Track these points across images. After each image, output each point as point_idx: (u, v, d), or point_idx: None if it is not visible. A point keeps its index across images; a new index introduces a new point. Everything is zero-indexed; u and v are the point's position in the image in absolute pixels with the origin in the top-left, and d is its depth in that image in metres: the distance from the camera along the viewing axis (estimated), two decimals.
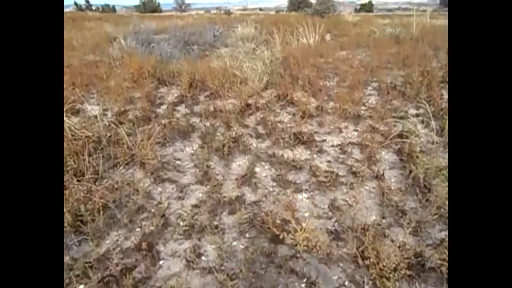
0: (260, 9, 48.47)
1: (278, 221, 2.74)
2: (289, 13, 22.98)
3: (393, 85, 5.61)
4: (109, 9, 39.25)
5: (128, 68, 6.47)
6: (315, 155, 3.73)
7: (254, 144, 3.99)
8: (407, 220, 2.64)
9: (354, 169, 3.43)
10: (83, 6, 36.57)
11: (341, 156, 3.70)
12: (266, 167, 3.57)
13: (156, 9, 34.64)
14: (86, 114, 4.80)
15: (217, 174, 3.44)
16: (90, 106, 5.24)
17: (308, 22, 10.00)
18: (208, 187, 3.24)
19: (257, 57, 7.58)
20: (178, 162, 3.67)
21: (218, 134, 4.24)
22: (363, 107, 4.87)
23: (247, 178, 3.33)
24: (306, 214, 2.88)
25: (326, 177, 3.25)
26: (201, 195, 3.16)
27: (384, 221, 2.77)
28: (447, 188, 2.88)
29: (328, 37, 10.79)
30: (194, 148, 3.94)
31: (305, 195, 3.12)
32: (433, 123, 3.99)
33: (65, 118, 3.97)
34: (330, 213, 2.90)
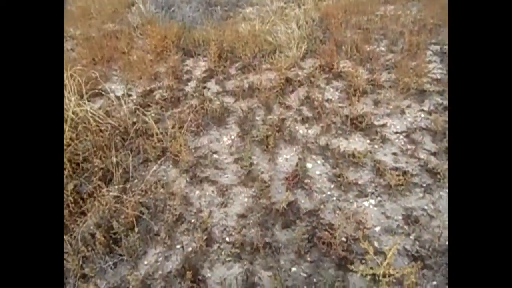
0: None
1: (343, 238, 2.25)
2: None
3: None
4: None
5: (150, 39, 5.86)
6: (376, 146, 3.12)
7: (301, 131, 3.42)
8: None
9: (429, 165, 2.81)
10: None
11: (409, 146, 3.07)
12: (318, 161, 3.02)
13: None
14: (109, 96, 4.35)
15: (262, 172, 2.95)
16: (113, 85, 4.78)
17: None
18: (253, 189, 2.77)
19: (289, 18, 6.69)
20: (215, 156, 3.19)
21: (257, 118, 3.68)
22: (425, 79, 4.07)
23: (299, 178, 2.82)
24: (377, 229, 2.37)
25: (394, 176, 2.67)
26: (246, 200, 2.70)
27: None
28: None
29: None
30: (232, 137, 3.43)
31: (372, 201, 2.59)
32: None
33: (87, 104, 3.53)
34: (406, 227, 2.37)
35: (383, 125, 3.37)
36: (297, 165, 2.96)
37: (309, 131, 3.40)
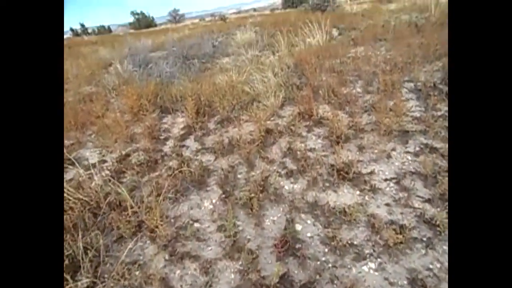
0: (254, 10, 47.57)
1: None
2: (286, 11, 22.13)
3: (432, 84, 4.77)
4: (104, 30, 39.00)
5: (126, 99, 5.77)
6: (367, 197, 2.93)
7: (287, 187, 3.22)
8: None
9: (426, 215, 2.62)
10: (79, 31, 36.39)
11: (402, 194, 2.90)
12: (308, 221, 2.79)
13: (150, 24, 34.19)
14: (82, 164, 4.09)
15: (249, 240, 2.69)
16: (87, 152, 4.55)
17: (310, 18, 9.20)
18: (240, 262, 2.48)
19: (264, 66, 6.82)
20: (196, 225, 2.92)
21: (239, 176, 3.48)
22: (405, 118, 4.04)
23: (289, 244, 2.56)
24: None
25: (391, 232, 2.46)
26: (233, 276, 2.40)
27: None
28: None
29: (335, 32, 9.94)
30: (213, 201, 3.19)
31: (371, 264, 2.34)
32: None
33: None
34: None
35: (371, 173, 3.22)
36: (285, 228, 2.72)
37: (295, 186, 3.21)
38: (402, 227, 2.55)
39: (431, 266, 2.27)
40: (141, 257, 2.65)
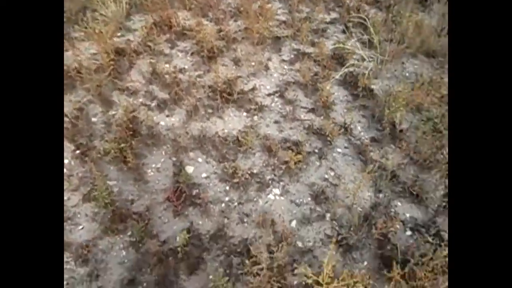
0: None
1: (268, 261, 1.85)
2: None
3: None
4: None
5: None
6: (256, 118, 2.70)
7: (163, 123, 2.63)
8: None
9: (313, 126, 2.62)
10: None
11: (287, 108, 2.78)
12: (199, 159, 2.40)
13: None
14: None
15: (132, 201, 2.13)
16: None
17: None
18: (130, 233, 1.97)
19: None
20: None
21: (94, 120, 2.62)
22: (272, 23, 3.75)
23: (184, 194, 2.16)
24: (294, 224, 2.07)
25: (287, 151, 2.37)
26: (124, 253, 1.91)
27: (381, 195, 2.22)
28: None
29: None
30: (65, 161, 2.34)
31: (276, 191, 2.23)
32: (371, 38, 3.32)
33: None
34: (319, 208, 2.15)
35: (253, 89, 2.94)
36: (175, 174, 2.26)
37: (173, 120, 2.65)
38: (295, 144, 2.48)
39: (326, 176, 2.34)
40: None
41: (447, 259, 1.73)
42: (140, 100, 2.81)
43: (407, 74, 3.19)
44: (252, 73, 3.11)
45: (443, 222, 2.09)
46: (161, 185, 2.24)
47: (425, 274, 1.67)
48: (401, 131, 2.56)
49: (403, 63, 3.32)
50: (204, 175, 2.31)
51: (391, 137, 2.56)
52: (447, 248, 1.76)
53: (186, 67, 3.15)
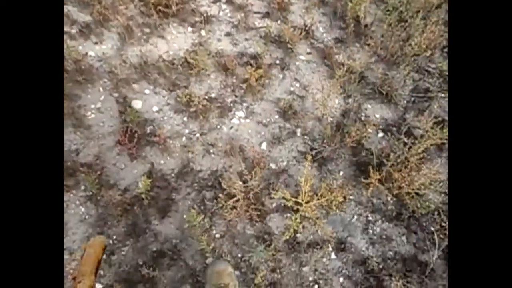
0: None
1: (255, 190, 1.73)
2: None
3: None
4: None
5: None
6: (203, 32, 2.29)
7: (92, 53, 2.16)
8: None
9: (272, 32, 2.29)
10: None
11: (239, 15, 2.37)
12: (146, 91, 2.07)
13: None
14: None
15: (77, 152, 1.84)
16: None
17: None
18: (83, 194, 1.74)
19: None
20: None
21: None
22: None
23: (137, 134, 1.89)
24: (264, 146, 1.93)
25: (243, 64, 2.08)
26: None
27: (351, 100, 2.08)
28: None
29: None
30: None
31: (239, 114, 2.01)
32: None
33: None
34: (288, 125, 2.00)
35: None
36: (121, 112, 1.94)
37: (103, 47, 2.18)
38: (254, 57, 2.18)
39: (292, 89, 2.13)
40: None
41: (420, 156, 1.72)
42: None
43: None
44: None
45: (412, 118, 2.04)
46: (107, 127, 1.93)
47: (401, 175, 1.66)
48: (365, 26, 2.31)
49: None
50: (155, 108, 2.00)
51: (355, 35, 2.32)
52: (420, 145, 1.74)
53: None
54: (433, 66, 2.21)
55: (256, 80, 2.03)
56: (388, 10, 2.39)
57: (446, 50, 2.27)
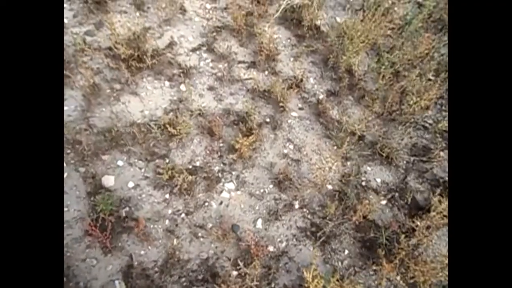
0: None
1: None
2: None
3: None
4: None
5: None
6: (182, 87, 2.05)
7: None
8: None
9: (260, 86, 2.09)
10: None
11: (222, 65, 2.16)
12: (120, 162, 1.78)
13: None
14: None
15: None
16: None
17: None
18: None
19: None
20: None
21: None
22: None
23: (101, 222, 1.59)
24: (259, 224, 1.71)
25: (230, 124, 1.86)
26: None
27: (349, 163, 1.92)
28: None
29: None
30: None
31: (230, 185, 1.78)
32: None
33: None
34: (284, 196, 1.80)
35: (171, 45, 2.20)
36: (89, 194, 1.64)
37: (66, 108, 1.87)
38: (241, 116, 1.96)
39: (285, 151, 1.94)
40: None
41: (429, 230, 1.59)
42: None
43: (351, 0, 2.68)
44: (165, 20, 2.30)
45: (413, 182, 1.92)
46: (74, 213, 1.62)
47: (414, 263, 1.50)
48: (359, 79, 2.18)
49: None
50: (131, 184, 1.72)
51: (349, 87, 2.18)
52: (426, 221, 1.60)
53: (65, 21, 2.19)
54: (430, 122, 2.12)
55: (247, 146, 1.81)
56: (383, 65, 2.23)
57: (442, 105, 2.18)
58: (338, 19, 2.52)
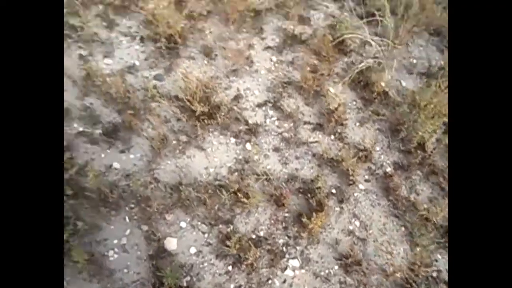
0: None
1: None
2: None
3: None
4: None
5: None
6: (248, 145, 2.00)
7: (117, 165, 1.81)
8: None
9: (327, 152, 2.01)
10: None
11: (287, 125, 2.11)
12: (182, 223, 1.71)
13: None
14: None
15: None
16: None
17: None
18: None
19: None
20: None
21: None
22: None
23: None
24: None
25: (295, 192, 1.78)
26: None
27: (418, 249, 1.80)
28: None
29: None
30: None
31: (295, 262, 1.68)
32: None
33: None
34: (349, 280, 1.68)
35: (238, 98, 2.17)
36: (151, 257, 1.56)
37: (131, 157, 1.83)
38: (307, 184, 1.89)
39: (351, 227, 1.84)
40: None
41: None
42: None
43: (414, 61, 2.63)
44: (232, 70, 2.29)
45: None
46: (134, 275, 1.54)
47: None
48: (430, 154, 2.09)
49: (407, 44, 2.74)
50: (193, 250, 1.64)
51: (417, 161, 2.08)
52: None
53: (136, 63, 2.20)
54: None
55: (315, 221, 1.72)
56: None
57: None
58: (403, 83, 2.46)
